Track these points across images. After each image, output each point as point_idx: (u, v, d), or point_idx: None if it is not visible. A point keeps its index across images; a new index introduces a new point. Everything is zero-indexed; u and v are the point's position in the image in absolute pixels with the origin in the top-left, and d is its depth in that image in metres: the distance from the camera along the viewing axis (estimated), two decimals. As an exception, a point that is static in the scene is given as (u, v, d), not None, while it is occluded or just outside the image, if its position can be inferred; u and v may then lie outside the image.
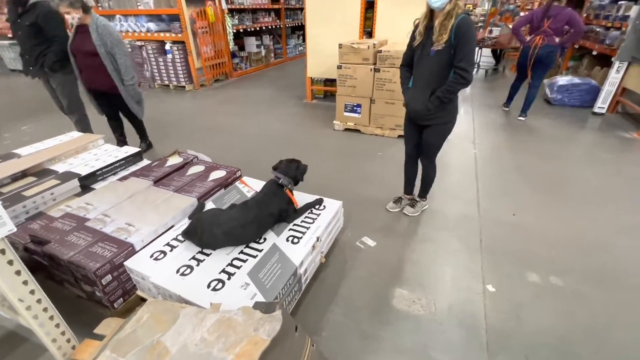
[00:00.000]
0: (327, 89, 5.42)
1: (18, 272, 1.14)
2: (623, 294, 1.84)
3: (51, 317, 1.28)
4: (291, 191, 1.91)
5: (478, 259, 2.09)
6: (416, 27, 1.96)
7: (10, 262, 1.12)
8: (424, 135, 2.17)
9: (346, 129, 4.16)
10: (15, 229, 1.08)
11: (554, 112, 4.91)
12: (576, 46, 6.26)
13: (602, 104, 4.64)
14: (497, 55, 7.51)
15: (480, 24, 8.91)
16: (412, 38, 1.99)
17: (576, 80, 5.05)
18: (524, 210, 2.57)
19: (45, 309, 1.25)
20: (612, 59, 4.45)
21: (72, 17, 2.59)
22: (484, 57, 7.74)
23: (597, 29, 5.40)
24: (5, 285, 1.12)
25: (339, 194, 2.28)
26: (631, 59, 4.25)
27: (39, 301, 1.22)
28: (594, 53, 5.32)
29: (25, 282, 1.17)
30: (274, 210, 1.78)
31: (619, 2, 4.93)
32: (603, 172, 3.15)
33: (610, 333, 1.62)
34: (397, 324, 1.66)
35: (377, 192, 2.82)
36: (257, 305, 1.11)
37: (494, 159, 3.41)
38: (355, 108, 3.98)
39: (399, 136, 3.92)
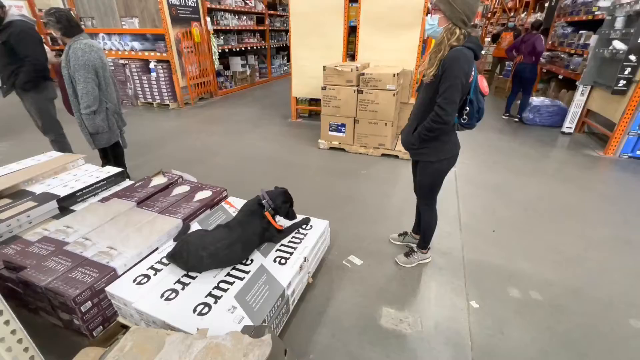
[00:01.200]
0: (312, 108, 5.54)
1: (7, 322, 1.09)
2: (598, 306, 1.92)
3: (26, 349, 1.22)
4: (271, 215, 1.86)
5: (461, 275, 2.14)
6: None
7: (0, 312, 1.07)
8: (417, 172, 2.02)
9: (331, 148, 4.24)
10: (-8, 257, 1.05)
11: (526, 131, 5.19)
12: (544, 70, 6.70)
13: (569, 124, 4.95)
14: None
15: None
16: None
17: (547, 101, 5.40)
18: (503, 226, 2.67)
19: (19, 340, 1.19)
20: (577, 83, 4.79)
21: (56, 36, 2.61)
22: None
23: (562, 55, 5.83)
24: (-21, 318, 1.06)
25: (324, 213, 2.31)
26: (593, 83, 4.59)
27: (13, 332, 1.16)
28: (560, 77, 5.71)
29: (7, 322, 1.12)
30: (257, 229, 1.78)
31: (580, 32, 5.37)
32: (573, 188, 3.33)
33: (589, 344, 1.68)
34: (385, 343, 1.67)
35: (362, 210, 2.86)
36: (245, 330, 1.10)
37: (473, 177, 3.54)
38: (339, 127, 4.08)
39: (383, 155, 4.03)
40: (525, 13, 9.17)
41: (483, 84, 1.66)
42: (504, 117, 5.87)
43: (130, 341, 1.15)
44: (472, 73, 1.59)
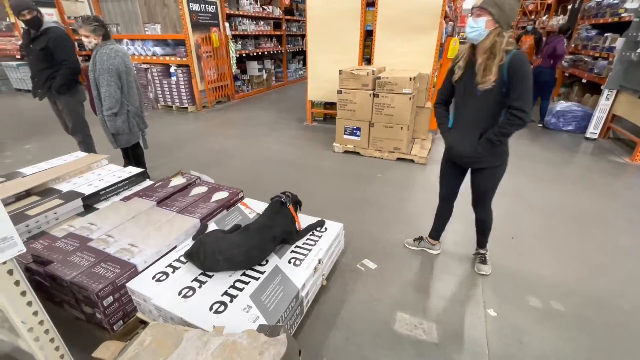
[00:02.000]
0: (327, 112, 5.56)
1: (23, 293, 1.15)
2: (622, 317, 1.84)
3: (52, 340, 1.27)
4: (294, 209, 1.93)
5: (479, 282, 2.09)
6: (455, 60, 1.79)
7: (17, 283, 1.12)
8: (474, 181, 1.96)
9: (346, 151, 4.24)
10: (25, 250, 1.10)
11: (548, 136, 5.04)
12: (566, 74, 6.51)
13: (594, 129, 4.78)
14: None
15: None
16: (451, 72, 1.81)
17: (571, 106, 5.22)
18: (523, 233, 2.60)
19: (46, 331, 1.24)
20: (602, 87, 4.63)
21: (89, 42, 2.70)
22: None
23: (586, 59, 5.65)
24: (10, 306, 1.12)
25: (339, 216, 2.31)
26: (619, 87, 4.43)
27: (41, 323, 1.22)
28: (584, 81, 5.53)
29: (29, 303, 1.17)
30: (277, 232, 1.80)
31: (605, 34, 5.19)
32: (597, 195, 3.21)
33: (614, 357, 1.61)
34: (399, 349, 1.65)
35: (377, 214, 2.85)
36: (261, 328, 1.11)
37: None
38: (354, 131, 4.08)
39: (398, 159, 4.00)
40: (546, 16, 8.95)
41: None
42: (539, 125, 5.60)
43: (150, 336, 1.18)
44: None
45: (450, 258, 2.31)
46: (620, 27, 4.81)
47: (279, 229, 1.83)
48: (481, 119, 1.74)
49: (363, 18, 4.55)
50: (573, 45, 6.31)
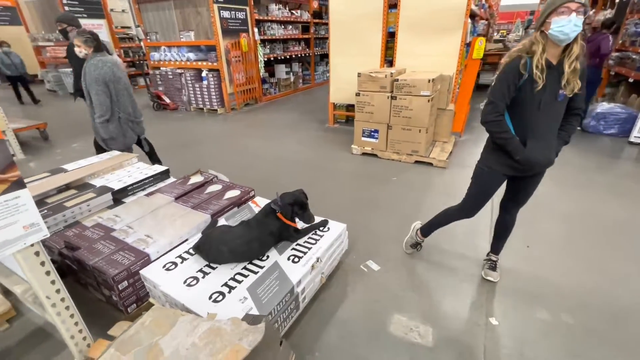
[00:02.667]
0: (349, 114, 5.59)
1: (48, 273, 1.33)
2: (643, 338, 1.71)
3: (72, 315, 1.45)
4: (284, 215, 1.92)
5: (483, 289, 2.04)
6: (517, 63, 1.55)
7: (42, 263, 1.30)
8: (524, 187, 1.87)
9: (364, 153, 4.26)
10: (48, 234, 1.28)
11: (586, 140, 4.70)
12: (612, 73, 6.01)
13: (638, 133, 4.39)
14: None
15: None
16: (517, 76, 1.56)
17: (615, 107, 4.83)
18: (540, 241, 2.48)
19: (67, 307, 1.42)
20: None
21: (80, 51, 2.93)
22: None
23: (634, 56, 5.19)
24: (36, 283, 1.30)
25: (348, 217, 2.35)
26: (669, 87, 4.03)
27: (62, 299, 1.40)
28: (630, 80, 5.09)
29: (52, 282, 1.35)
30: (273, 229, 1.88)
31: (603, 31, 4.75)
32: (630, 204, 2.96)
33: (623, 379, 1.52)
34: (392, 350, 1.66)
35: (387, 217, 2.85)
36: (245, 317, 1.20)
37: (513, 188, 3.32)
38: (372, 133, 4.09)
39: (416, 162, 3.94)
40: (593, 10, 8.30)
41: None
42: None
43: (151, 317, 1.32)
44: None
45: (457, 262, 2.26)
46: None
47: (274, 227, 1.90)
48: (557, 125, 1.68)
49: (385, 20, 4.54)
50: (620, 42, 5.81)
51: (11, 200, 1.15)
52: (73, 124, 6.12)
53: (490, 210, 2.90)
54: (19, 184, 1.17)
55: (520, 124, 1.66)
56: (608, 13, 6.86)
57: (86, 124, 6.00)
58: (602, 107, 4.91)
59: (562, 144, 1.71)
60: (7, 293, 1.98)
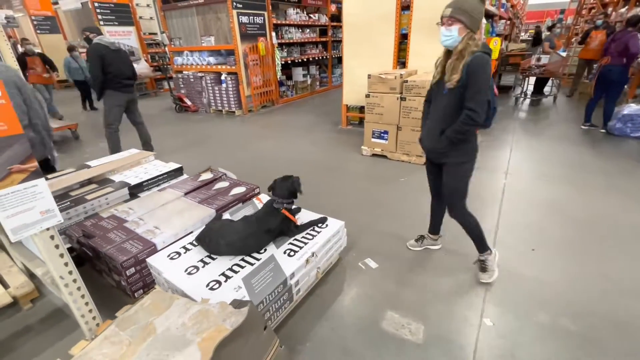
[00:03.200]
0: (362, 115, 5.60)
1: (62, 255, 1.47)
2: (647, 347, 1.64)
3: (83, 296, 1.59)
4: (288, 210, 2.03)
5: (481, 291, 2.02)
6: (436, 63, 1.89)
7: (57, 246, 1.45)
8: (443, 178, 2.00)
9: (373, 155, 4.28)
10: (62, 220, 1.42)
11: (611, 143, 4.48)
12: (643, 73, 5.68)
13: (668, 136, 4.13)
14: (542, 84, 7.18)
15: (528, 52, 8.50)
16: (433, 77, 1.91)
17: (641, 108, 4.58)
18: (547, 246, 2.41)
19: (79, 288, 1.56)
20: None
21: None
22: (531, 85, 7.38)
23: (666, 56, 4.89)
24: (51, 264, 1.44)
25: (354, 216, 2.39)
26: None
27: (74, 280, 1.54)
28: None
29: (66, 264, 1.49)
30: (272, 226, 1.96)
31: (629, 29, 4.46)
32: (655, 212, 2.81)
33: (620, 387, 1.47)
34: (381, 345, 1.69)
35: (391, 216, 2.86)
36: (232, 302, 1.28)
37: (525, 191, 3.23)
38: (382, 135, 4.10)
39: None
40: (626, 7, 7.87)
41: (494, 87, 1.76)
42: (583, 127, 5.14)
43: (150, 299, 1.42)
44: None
45: (456, 262, 2.25)
46: None
47: (273, 225, 1.97)
48: (444, 116, 1.82)
49: (398, 22, 4.55)
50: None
51: (30, 188, 1.30)
52: (101, 125, 6.51)
53: (497, 215, 2.85)
54: (36, 174, 1.31)
55: (430, 112, 1.96)
56: (639, 10, 6.50)
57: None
58: (630, 108, 4.66)
59: (445, 138, 1.80)
60: (32, 276, 2.18)
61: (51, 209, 1.38)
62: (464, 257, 2.30)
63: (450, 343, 1.69)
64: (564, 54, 6.88)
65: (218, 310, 1.23)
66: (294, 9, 7.78)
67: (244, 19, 6.32)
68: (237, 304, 1.26)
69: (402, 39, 4.69)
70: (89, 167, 3.02)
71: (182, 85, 7.47)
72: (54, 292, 2.05)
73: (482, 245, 2.09)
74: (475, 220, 2.02)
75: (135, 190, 2.70)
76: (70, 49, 7.41)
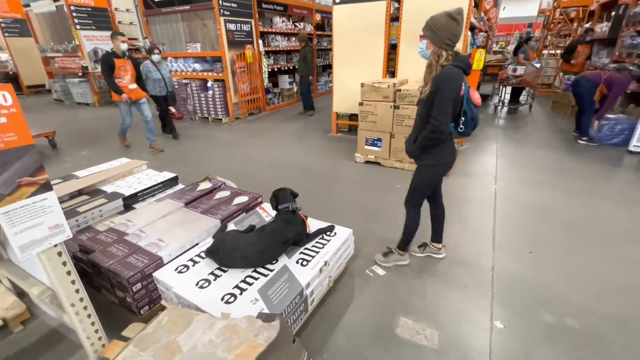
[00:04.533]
0: (352, 123, 5.68)
1: (69, 272, 1.38)
2: (646, 342, 1.74)
3: (89, 315, 1.49)
4: (301, 213, 2.07)
5: (488, 294, 2.07)
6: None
7: (64, 264, 1.36)
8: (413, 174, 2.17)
9: (367, 162, 4.33)
10: (71, 235, 1.34)
11: (588, 149, 4.76)
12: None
13: (637, 142, 4.45)
14: (518, 93, 7.46)
15: (509, 62, 8.94)
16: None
17: (621, 117, 4.87)
18: (543, 248, 2.52)
19: (85, 307, 1.47)
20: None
21: None
22: (508, 94, 7.71)
23: (630, 67, 5.30)
24: (58, 282, 1.35)
25: (353, 223, 2.40)
26: (666, 97, 4.11)
27: (81, 299, 1.44)
28: (628, 91, 5.17)
29: (73, 282, 1.40)
30: (290, 236, 1.94)
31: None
32: (634, 212, 3.00)
33: (627, 381, 1.54)
34: (398, 352, 1.70)
35: (391, 223, 2.89)
36: (259, 316, 1.24)
37: (515, 195, 3.37)
38: (375, 142, 4.17)
39: (419, 170, 4.00)
40: (590, 23, 8.49)
41: (475, 95, 1.86)
42: (581, 141, 5.11)
43: (167, 317, 1.36)
44: (463, 87, 1.79)
45: (461, 267, 2.30)
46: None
47: (291, 234, 1.97)
48: (418, 124, 1.97)
49: (387, 33, 4.67)
50: (617, 53, 5.94)
51: (39, 202, 1.22)
52: (81, 132, 6.23)
53: (492, 219, 2.95)
54: (46, 187, 1.23)
55: None
56: (605, 25, 7.02)
57: (93, 133, 6.14)
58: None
59: (416, 145, 1.96)
60: (21, 295, 2.03)
61: (60, 224, 1.30)
62: (468, 263, 2.36)
63: (466, 347, 1.72)
64: (537, 65, 7.28)
65: (247, 325, 1.20)
66: (280, 17, 7.82)
67: (232, 27, 6.27)
68: (265, 317, 1.23)
69: (391, 49, 4.81)
70: (76, 177, 2.87)
71: (165, 92, 7.27)
72: (50, 313, 1.92)
73: (404, 245, 2.31)
74: (418, 223, 2.23)
75: (129, 202, 2.59)
76: (151, 50, 5.14)
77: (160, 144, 5.14)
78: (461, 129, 1.88)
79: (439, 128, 1.79)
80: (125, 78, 4.52)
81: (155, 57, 5.16)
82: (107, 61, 4.37)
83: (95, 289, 2.02)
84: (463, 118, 1.85)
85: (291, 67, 8.40)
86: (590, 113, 4.98)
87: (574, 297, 2.04)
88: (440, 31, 1.74)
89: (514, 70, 6.93)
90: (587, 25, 8.23)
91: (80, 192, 2.63)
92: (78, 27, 8.07)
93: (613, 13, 6.39)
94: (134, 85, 4.63)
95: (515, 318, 1.90)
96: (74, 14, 7.95)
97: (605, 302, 2.00)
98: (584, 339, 1.76)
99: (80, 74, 8.66)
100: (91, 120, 7.16)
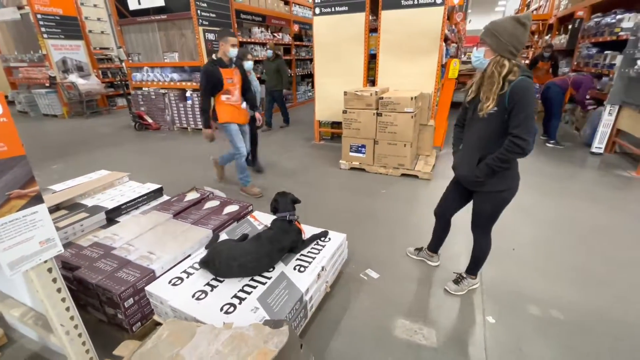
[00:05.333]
0: (334, 131, 5.77)
1: (59, 290, 1.30)
2: (626, 328, 1.86)
3: (80, 335, 1.41)
4: (298, 222, 2.07)
5: (478, 291, 2.15)
6: (470, 84, 1.80)
7: (54, 280, 1.28)
8: (475, 203, 1.94)
9: (352, 168, 4.40)
10: (62, 250, 1.27)
11: (555, 152, 5.09)
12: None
13: (599, 144, 4.82)
14: None
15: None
16: (467, 93, 1.83)
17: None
18: (524, 245, 2.65)
19: (76, 327, 1.39)
20: (604, 103, 4.71)
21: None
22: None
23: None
24: (47, 300, 1.27)
25: (344, 229, 2.42)
26: (621, 102, 4.50)
27: (72, 318, 1.36)
28: (597, 88, 5.56)
29: (63, 300, 1.32)
30: (286, 244, 1.94)
31: (605, 52, 5.32)
32: (604, 209, 3.24)
33: (611, 366, 1.64)
34: (399, 353, 1.72)
35: (380, 227, 2.95)
36: (266, 322, 1.23)
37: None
38: (360, 148, 4.25)
39: (402, 174, 4.12)
40: (549, 35, 9.16)
41: None
42: (549, 144, 5.41)
43: (167, 330, 1.31)
44: None
45: (451, 269, 2.37)
46: (619, 45, 4.94)
47: (287, 242, 1.97)
48: (482, 143, 1.74)
49: (367, 43, 4.82)
50: (575, 63, 6.44)
51: (29, 215, 1.15)
52: (49, 145, 5.91)
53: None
54: (37, 199, 1.17)
55: (464, 137, 1.92)
56: (563, 38, 7.60)
57: (63, 145, 5.84)
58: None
59: (484, 166, 1.70)
60: (-4, 320, 1.88)
61: (51, 238, 1.23)
62: (457, 264, 2.44)
63: (462, 343, 1.77)
64: None
65: (255, 333, 1.18)
66: (258, 28, 7.87)
67: (211, 36, 6.24)
68: (272, 323, 1.22)
69: (371, 59, 4.96)
70: (53, 191, 2.72)
71: (141, 102, 7.07)
72: (31, 336, 1.79)
73: (475, 269, 2.11)
74: (489, 246, 2.02)
75: (112, 215, 2.48)
76: (244, 54, 3.83)
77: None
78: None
79: (525, 148, 1.58)
80: (235, 94, 3.38)
81: (248, 65, 3.85)
82: (212, 74, 3.17)
83: (81, 307, 1.90)
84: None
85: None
86: (558, 117, 5.34)
87: (557, 290, 2.16)
88: (505, 37, 1.55)
89: None
90: (547, 39, 8.87)
91: (58, 207, 2.49)
92: (45, 35, 7.73)
93: (570, 26, 6.95)
94: (245, 104, 3.58)
95: (505, 313, 1.98)
96: (41, 23, 7.61)
97: (586, 294, 2.13)
98: (570, 328, 1.86)
99: (47, 85, 8.24)
100: (60, 133, 6.81)
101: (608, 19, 5.34)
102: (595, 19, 5.81)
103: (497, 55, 1.61)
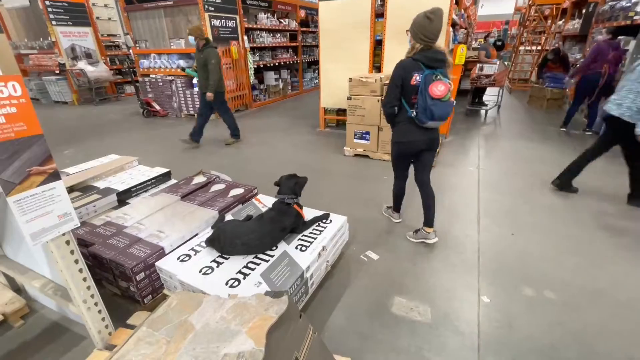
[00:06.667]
0: (339, 118, 5.78)
1: (77, 261, 1.41)
2: (617, 308, 1.92)
3: (96, 304, 1.53)
4: (298, 205, 2.14)
5: (475, 273, 2.22)
6: None
7: (72, 252, 1.39)
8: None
9: (356, 155, 4.44)
10: (79, 224, 1.37)
11: (561, 138, 5.04)
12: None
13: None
14: (479, 94, 7.23)
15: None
16: None
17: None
18: (523, 230, 2.69)
19: (92, 296, 1.50)
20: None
21: None
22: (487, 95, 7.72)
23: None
24: (67, 272, 1.38)
25: (346, 212, 2.49)
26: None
27: (88, 288, 1.48)
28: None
29: (80, 270, 1.43)
30: (287, 224, 2.02)
31: (619, 37, 5.17)
32: (603, 197, 3.24)
33: (602, 341, 1.70)
34: (395, 327, 1.81)
35: (381, 211, 3.01)
36: (267, 293, 1.32)
37: (497, 183, 3.56)
38: (364, 135, 4.28)
39: (406, 161, 4.14)
40: (562, 20, 8.89)
41: (434, 88, 2.04)
42: (562, 129, 5.44)
43: (176, 300, 1.41)
44: (417, 78, 2.08)
45: (450, 250, 2.44)
46: (634, 30, 4.80)
47: (287, 222, 2.05)
48: None
49: (372, 29, 4.78)
50: (587, 49, 6.27)
51: (48, 191, 1.24)
52: (60, 131, 6.06)
53: (477, 206, 3.11)
54: (54, 176, 1.26)
55: None
56: (576, 22, 7.39)
57: (74, 131, 5.98)
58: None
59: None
60: (18, 292, 2.02)
61: (69, 212, 1.32)
62: (456, 246, 2.50)
63: (456, 320, 1.85)
64: (496, 64, 6.89)
65: (256, 302, 1.27)
66: (264, 14, 7.81)
67: (217, 22, 6.24)
68: (274, 294, 1.31)
69: (377, 45, 4.93)
70: (67, 174, 2.84)
71: (149, 89, 7.16)
72: (51, 306, 1.92)
73: (394, 206, 2.77)
74: (397, 191, 2.76)
75: (123, 197, 2.59)
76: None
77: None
78: (415, 114, 2.15)
79: (383, 108, 2.31)
80: None
81: None
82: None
83: (96, 282, 2.02)
84: (416, 105, 2.12)
85: (277, 64, 8.42)
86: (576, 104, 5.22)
87: (552, 272, 2.22)
88: (415, 27, 2.07)
89: (481, 69, 6.89)
90: (559, 22, 8.58)
91: (72, 189, 2.60)
92: (54, 22, 7.80)
93: (584, 11, 6.74)
94: None
95: (499, 293, 2.05)
96: (49, 9, 7.67)
97: (580, 276, 2.18)
98: (561, 308, 1.92)
99: (57, 72, 8.37)
100: (71, 119, 6.96)
101: (623, 3, 5.17)
102: (610, 3, 5.63)
103: (414, 41, 2.11)
